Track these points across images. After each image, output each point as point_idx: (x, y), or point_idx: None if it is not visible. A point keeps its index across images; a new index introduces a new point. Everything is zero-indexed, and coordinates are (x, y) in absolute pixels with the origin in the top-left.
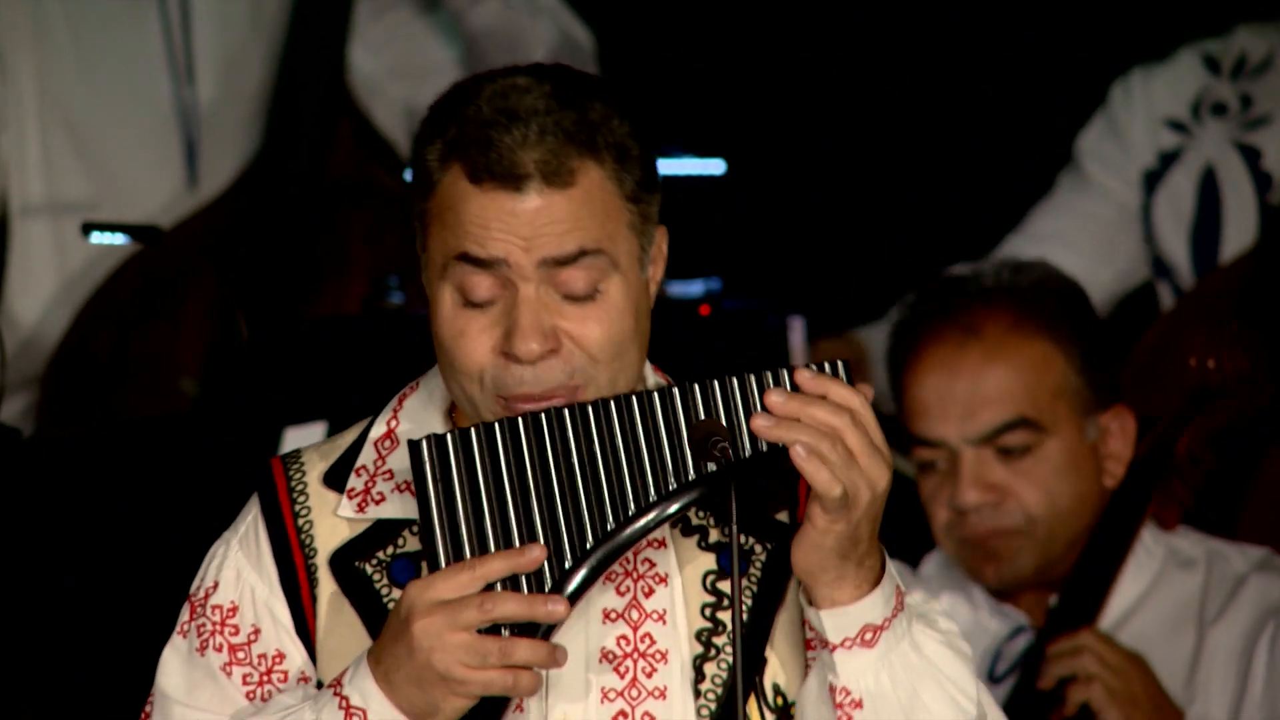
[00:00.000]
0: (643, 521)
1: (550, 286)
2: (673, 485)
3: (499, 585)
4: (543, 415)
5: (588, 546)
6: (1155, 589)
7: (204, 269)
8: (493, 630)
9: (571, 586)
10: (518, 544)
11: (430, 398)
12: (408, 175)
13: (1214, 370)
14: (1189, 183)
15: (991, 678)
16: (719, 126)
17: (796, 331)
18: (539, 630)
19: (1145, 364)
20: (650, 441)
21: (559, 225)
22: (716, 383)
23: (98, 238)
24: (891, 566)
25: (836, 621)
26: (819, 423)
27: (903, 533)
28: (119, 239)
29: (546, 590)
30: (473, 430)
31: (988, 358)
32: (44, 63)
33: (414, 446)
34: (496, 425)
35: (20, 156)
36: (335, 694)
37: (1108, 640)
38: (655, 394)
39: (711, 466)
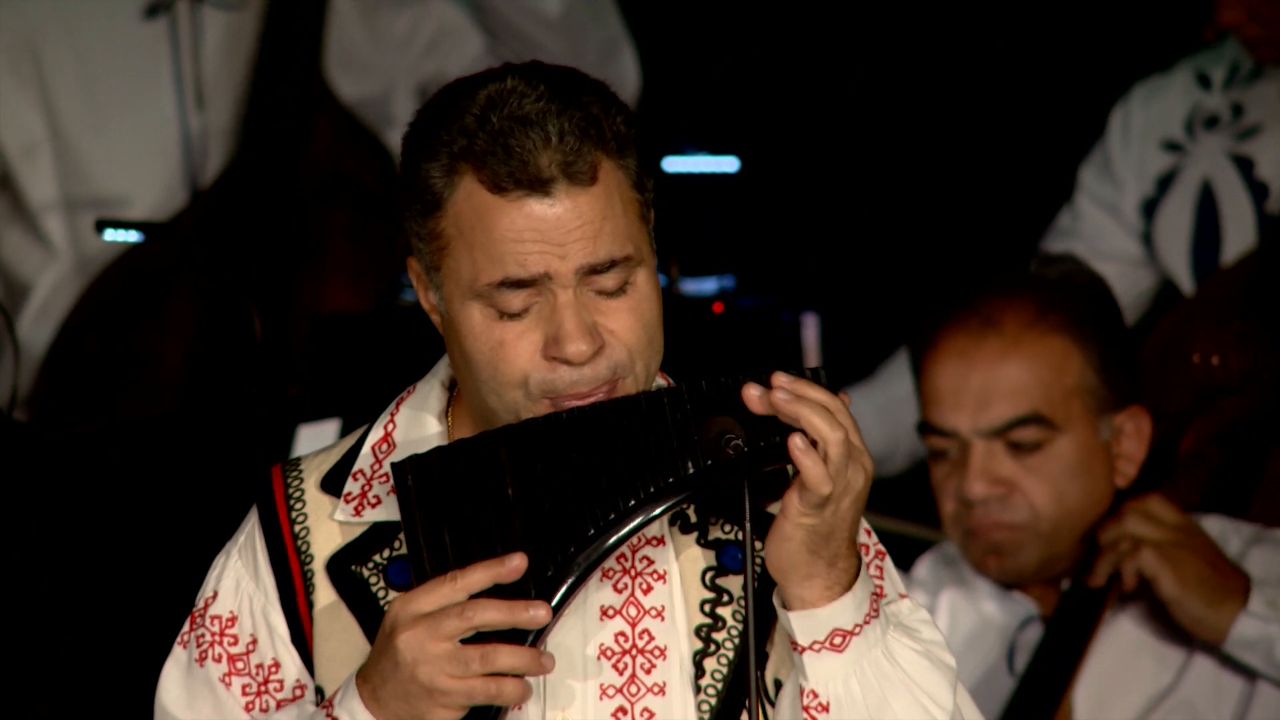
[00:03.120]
0: (636, 521)
1: (585, 286)
2: (651, 490)
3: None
4: (520, 428)
5: (569, 553)
6: None
7: (196, 266)
8: (481, 640)
9: (564, 588)
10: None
11: (424, 402)
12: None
13: (1219, 367)
14: (1187, 199)
15: (1011, 671)
16: (733, 124)
17: (810, 328)
18: (527, 638)
19: (1149, 363)
20: (628, 448)
21: (589, 226)
22: (686, 389)
23: (112, 235)
24: (866, 572)
25: (805, 624)
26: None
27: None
28: (133, 236)
29: (531, 598)
30: (455, 447)
31: (1005, 351)
32: (47, 92)
33: (396, 468)
34: (475, 440)
35: (30, 171)
36: (327, 715)
37: (1158, 507)
38: (628, 401)
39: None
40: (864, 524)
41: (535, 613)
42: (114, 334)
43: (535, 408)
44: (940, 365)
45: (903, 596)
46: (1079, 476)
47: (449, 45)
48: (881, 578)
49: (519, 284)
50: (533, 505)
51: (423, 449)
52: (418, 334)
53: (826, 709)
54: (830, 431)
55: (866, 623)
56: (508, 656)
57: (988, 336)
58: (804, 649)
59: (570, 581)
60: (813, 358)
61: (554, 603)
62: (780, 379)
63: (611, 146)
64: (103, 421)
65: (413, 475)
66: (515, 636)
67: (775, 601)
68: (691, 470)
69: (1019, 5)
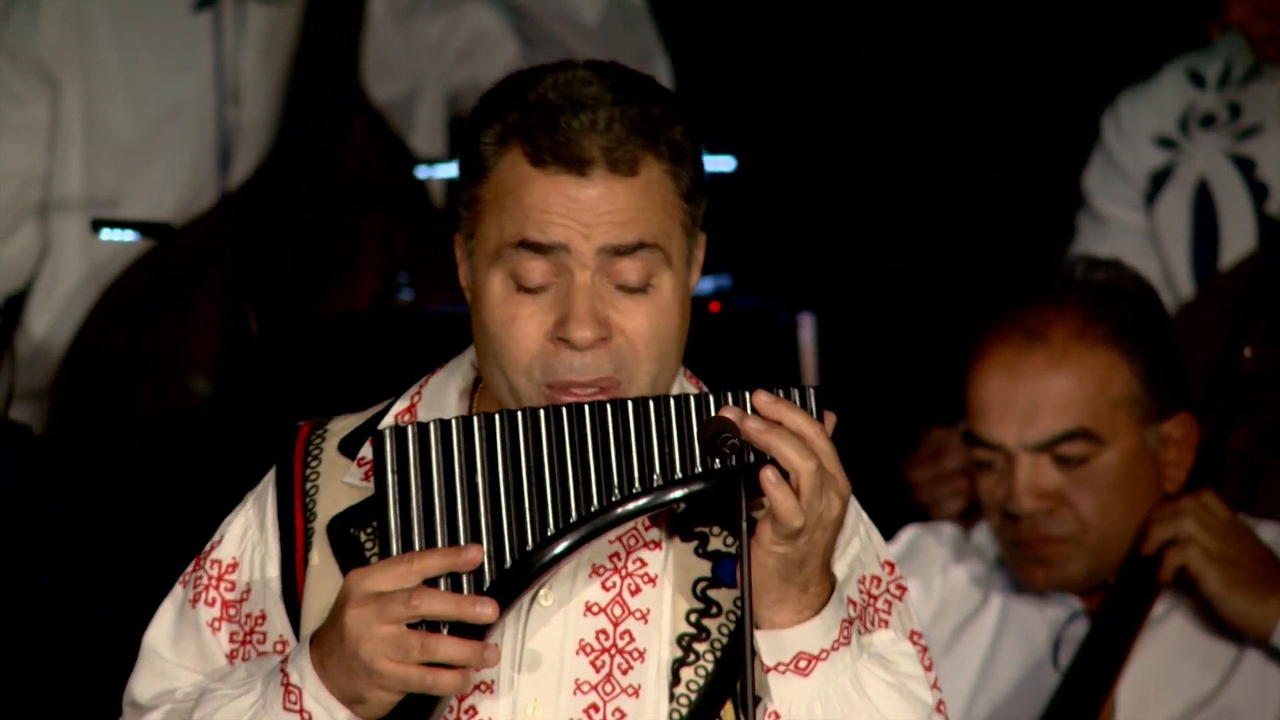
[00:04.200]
0: (636, 504)
1: (605, 276)
2: (616, 497)
3: (442, 582)
4: (495, 416)
5: (527, 550)
6: None
7: (217, 265)
8: (430, 628)
9: (518, 583)
10: (462, 542)
11: (451, 379)
12: (420, 172)
13: (1268, 363)
14: (1183, 198)
15: (1056, 666)
16: (730, 123)
17: (806, 328)
18: (473, 631)
19: None
20: (603, 453)
21: (620, 214)
22: (672, 400)
23: (108, 234)
24: (840, 598)
25: (771, 644)
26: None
27: None
28: (129, 236)
29: (485, 590)
30: (431, 425)
31: (1052, 364)
32: (90, 82)
33: (377, 436)
34: (453, 423)
35: (63, 173)
36: (281, 669)
37: (1212, 503)
38: (609, 405)
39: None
40: (885, 555)
41: (482, 609)
42: (137, 332)
43: (534, 392)
44: (987, 377)
45: (914, 634)
46: (1126, 488)
47: (482, 54)
48: (890, 613)
49: (538, 249)
50: (500, 496)
51: None
52: (413, 333)
53: None
54: (801, 462)
55: (834, 649)
56: (449, 648)
57: (1034, 349)
58: (769, 669)
59: (524, 577)
60: (809, 357)
61: (507, 597)
62: (760, 398)
63: (663, 150)
64: (110, 420)
65: (391, 446)
66: (464, 627)
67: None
68: (659, 483)
69: (1016, 8)
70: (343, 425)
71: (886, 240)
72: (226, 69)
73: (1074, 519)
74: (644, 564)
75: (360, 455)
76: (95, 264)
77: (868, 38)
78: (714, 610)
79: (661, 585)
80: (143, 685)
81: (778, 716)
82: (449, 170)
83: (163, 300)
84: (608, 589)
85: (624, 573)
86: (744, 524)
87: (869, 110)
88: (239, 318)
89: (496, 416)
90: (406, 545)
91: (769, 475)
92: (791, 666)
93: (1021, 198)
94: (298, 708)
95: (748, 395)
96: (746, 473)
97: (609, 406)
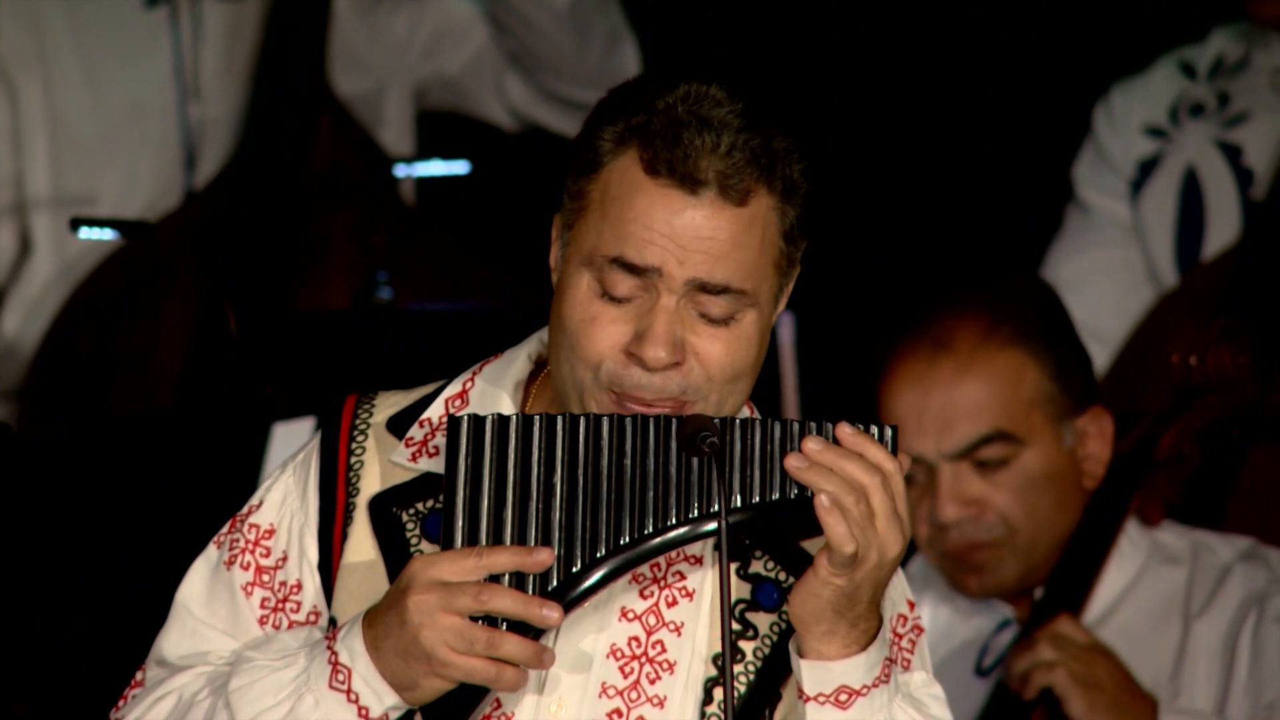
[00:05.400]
0: (668, 537)
1: (689, 303)
2: (694, 513)
3: (505, 578)
4: (580, 419)
5: (598, 556)
6: (1139, 583)
7: (187, 264)
8: (488, 621)
9: (584, 588)
10: (531, 542)
11: (507, 368)
12: (399, 170)
13: (1197, 367)
14: (1171, 186)
15: (979, 671)
16: None
17: (786, 329)
18: (531, 631)
19: (1128, 362)
20: (680, 465)
21: (719, 245)
22: (759, 424)
23: (86, 233)
24: (885, 637)
25: (815, 675)
26: (849, 477)
27: None
28: (108, 234)
29: (550, 591)
30: (512, 419)
31: (960, 371)
32: (49, 82)
33: (452, 422)
34: (536, 419)
35: (31, 173)
36: (328, 647)
37: (1071, 628)
38: (697, 421)
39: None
40: (909, 594)
41: (548, 613)
42: (108, 331)
43: (599, 395)
44: (898, 391)
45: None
46: (1049, 486)
47: (448, 47)
48: (913, 651)
49: (631, 269)
50: (577, 499)
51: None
52: (392, 331)
53: None
54: (844, 495)
55: (875, 685)
56: (512, 646)
57: (940, 358)
58: (809, 699)
59: (591, 583)
60: (788, 358)
61: (571, 598)
62: (844, 430)
63: (777, 185)
64: (83, 420)
65: (468, 434)
66: (522, 625)
67: (791, 647)
68: (739, 504)
69: (997, 8)
70: (391, 402)
71: (866, 241)
72: (185, 65)
73: (1001, 523)
74: (683, 578)
75: (409, 436)
76: (65, 263)
77: (846, 31)
78: (750, 633)
79: (699, 601)
80: (172, 643)
81: None
82: (428, 168)
83: (133, 299)
84: (645, 597)
85: (663, 584)
86: (723, 536)
87: (848, 110)
88: (213, 316)
89: (581, 419)
90: (472, 538)
91: (823, 501)
92: (832, 699)
93: (1004, 195)
94: (345, 688)
95: (830, 426)
96: (723, 464)
97: (696, 423)
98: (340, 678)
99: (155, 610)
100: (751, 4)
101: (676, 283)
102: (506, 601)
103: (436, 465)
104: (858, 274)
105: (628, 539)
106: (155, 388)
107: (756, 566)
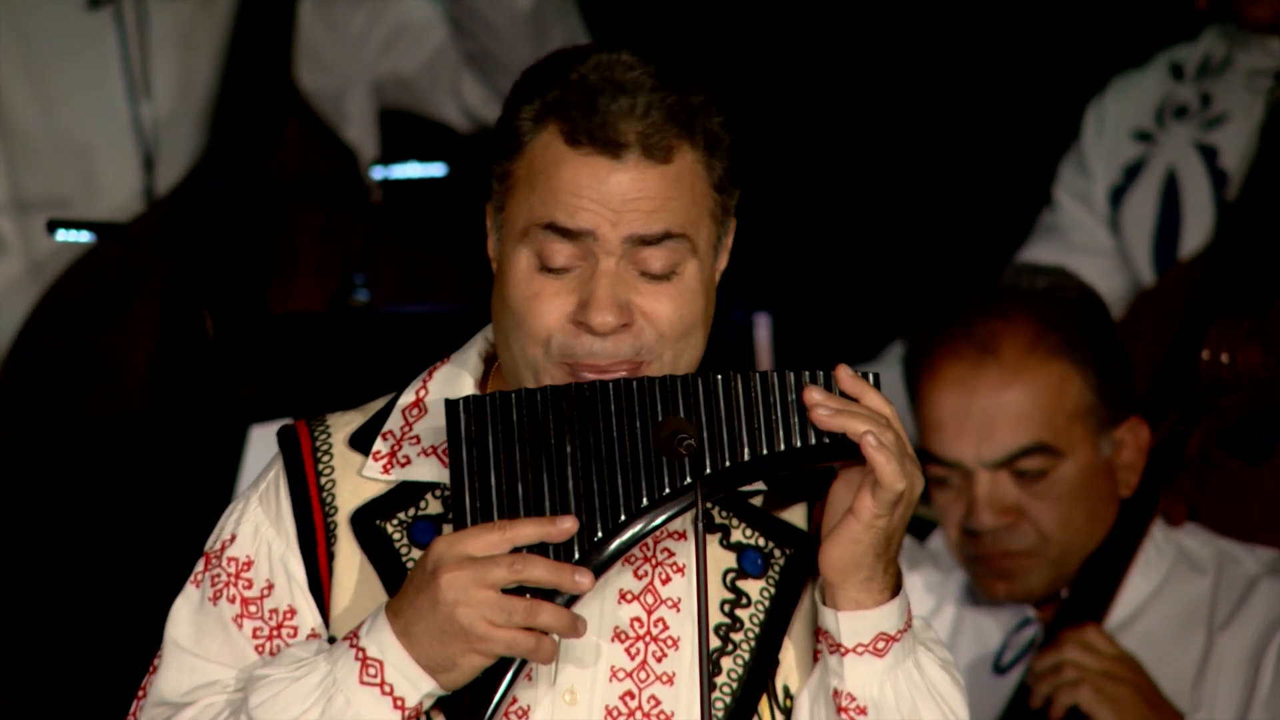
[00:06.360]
0: (692, 499)
1: (629, 262)
2: (707, 471)
3: (525, 553)
4: (584, 388)
5: (620, 521)
6: (1164, 589)
7: (157, 266)
8: (516, 593)
9: (609, 553)
10: (548, 512)
11: (461, 370)
12: (376, 173)
13: (1227, 366)
14: (1152, 188)
15: (997, 667)
16: None
17: (763, 328)
18: (558, 599)
19: None
20: (699, 425)
21: (649, 202)
22: (758, 375)
23: (63, 235)
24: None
25: (854, 625)
26: (876, 413)
27: None
28: (84, 236)
29: (575, 560)
30: (513, 395)
31: (1006, 379)
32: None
33: (450, 405)
34: (539, 393)
35: None
36: (351, 645)
37: (1096, 639)
38: (698, 379)
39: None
40: None
41: (580, 579)
42: (78, 333)
43: (553, 370)
44: (940, 393)
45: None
46: (1084, 498)
47: (405, 45)
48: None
49: (565, 233)
50: (592, 466)
51: None
52: (371, 334)
53: (864, 712)
54: (882, 432)
55: (905, 629)
56: (549, 614)
57: (986, 364)
58: (847, 651)
59: (615, 548)
60: (764, 357)
61: (597, 565)
62: (843, 373)
63: (699, 139)
64: (56, 422)
65: (468, 415)
66: (548, 596)
67: (818, 603)
68: (766, 453)
69: (968, 29)
70: (344, 421)
71: (842, 240)
72: (134, 66)
73: (1034, 532)
74: (671, 554)
75: (375, 450)
76: (33, 265)
77: (825, 41)
78: (744, 601)
79: (691, 576)
80: (171, 683)
81: (853, 698)
82: (405, 170)
83: (102, 301)
84: (640, 577)
85: (654, 561)
86: (699, 524)
87: (825, 110)
88: (186, 318)
89: (585, 386)
90: (485, 516)
91: (870, 440)
92: (870, 647)
93: (981, 196)
94: (377, 681)
95: (822, 375)
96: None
97: (698, 381)
98: (371, 672)
99: (130, 614)
100: (737, 14)
101: (613, 244)
102: (540, 570)
103: (409, 474)
104: (833, 273)
105: (647, 502)
106: (125, 390)
107: (736, 535)
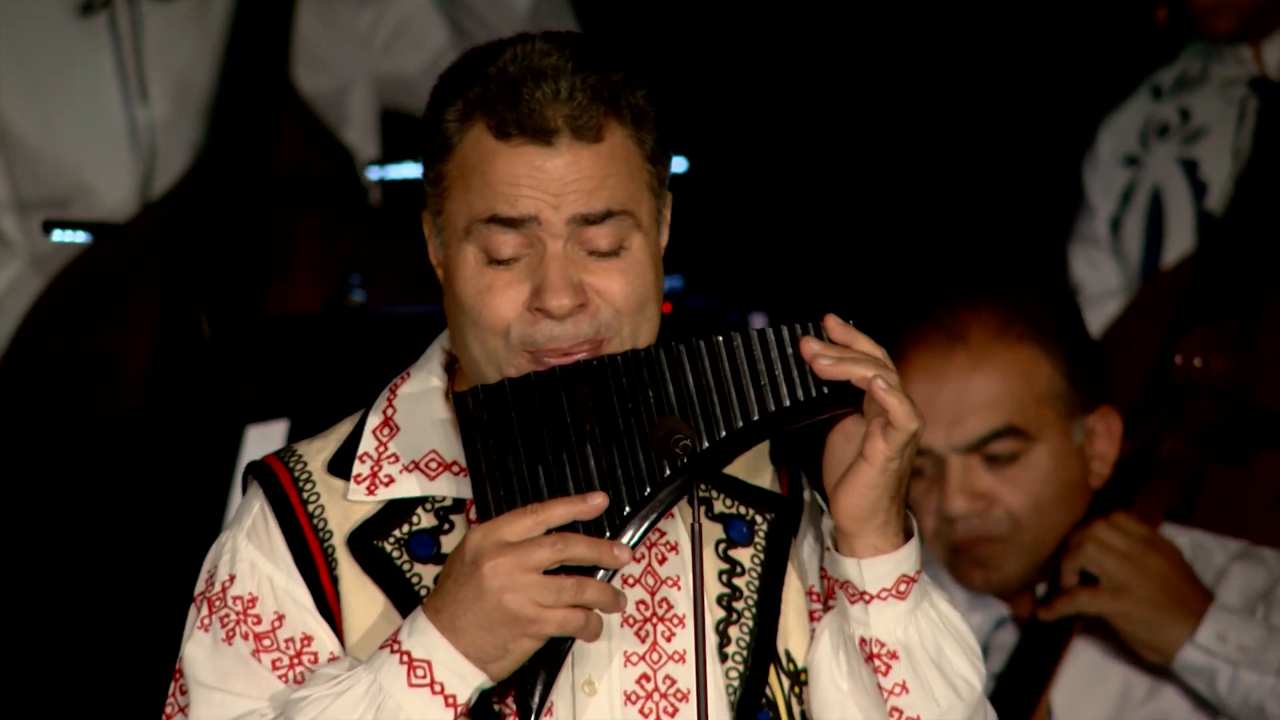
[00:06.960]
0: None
1: (576, 243)
2: (721, 434)
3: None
4: (601, 364)
5: (647, 493)
6: None
7: (154, 266)
8: (555, 573)
9: (644, 527)
10: (571, 493)
11: (426, 382)
12: (373, 173)
13: (1199, 370)
14: (1141, 209)
15: None
16: (680, 124)
17: (757, 324)
18: (597, 576)
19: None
20: (713, 388)
21: (588, 181)
22: (756, 333)
23: (59, 235)
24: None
25: (876, 571)
26: (875, 357)
27: None
28: (80, 237)
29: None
30: (528, 377)
31: (974, 364)
32: None
33: (459, 399)
34: (551, 375)
35: None
36: (394, 651)
37: (1127, 521)
38: (702, 343)
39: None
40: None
41: (619, 553)
42: (76, 333)
43: (515, 359)
44: (909, 382)
45: None
46: (1056, 483)
47: (406, 45)
48: None
49: (509, 223)
50: (613, 442)
51: (429, 429)
52: (365, 334)
53: (896, 656)
54: (887, 374)
55: (920, 570)
56: (594, 590)
57: (955, 350)
58: (872, 598)
59: (648, 522)
60: None
61: (630, 542)
62: (832, 322)
63: (625, 115)
64: (53, 422)
65: (479, 405)
66: (586, 574)
67: (832, 554)
68: (782, 406)
69: (966, 12)
70: (315, 448)
71: (837, 240)
72: (129, 69)
73: (1007, 518)
74: (662, 533)
75: (356, 473)
76: (38, 265)
77: (819, 39)
78: (739, 569)
79: (683, 551)
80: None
81: (881, 644)
82: (402, 171)
83: (99, 302)
84: (638, 560)
85: (648, 542)
86: (697, 521)
87: (820, 110)
88: (183, 319)
89: (595, 362)
90: (508, 504)
91: (880, 384)
92: (893, 591)
93: (975, 198)
94: (427, 681)
95: (812, 325)
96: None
97: (702, 345)
98: (420, 673)
99: (128, 614)
100: (733, 18)
101: (558, 227)
102: (581, 548)
103: (395, 492)
104: (827, 273)
105: (669, 472)
106: (122, 391)
107: (719, 506)
